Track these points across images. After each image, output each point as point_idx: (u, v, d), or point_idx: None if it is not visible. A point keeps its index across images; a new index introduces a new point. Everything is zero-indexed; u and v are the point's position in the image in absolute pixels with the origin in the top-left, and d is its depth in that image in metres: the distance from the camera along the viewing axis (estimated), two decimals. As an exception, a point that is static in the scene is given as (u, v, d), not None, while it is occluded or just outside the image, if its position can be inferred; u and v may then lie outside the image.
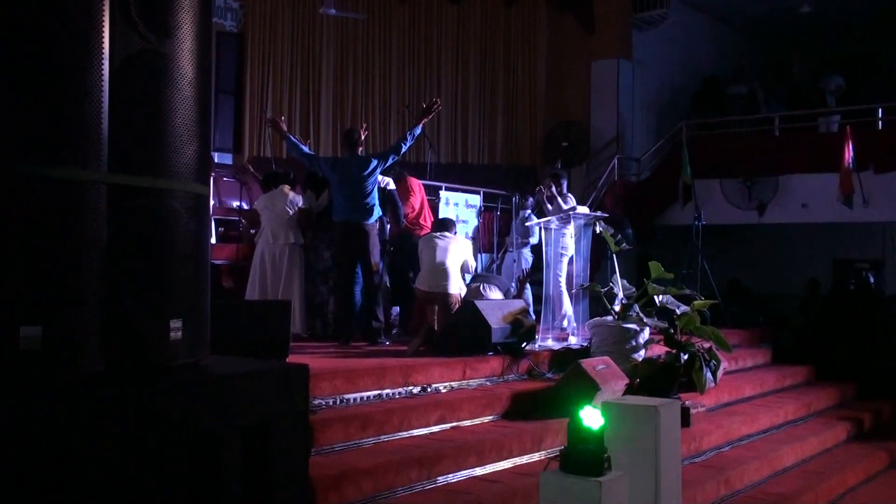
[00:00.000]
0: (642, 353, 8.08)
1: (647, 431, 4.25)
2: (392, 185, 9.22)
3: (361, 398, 6.19)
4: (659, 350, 8.27)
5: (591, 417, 3.90)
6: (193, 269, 3.03)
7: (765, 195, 13.71)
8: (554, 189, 9.43)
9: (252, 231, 9.67)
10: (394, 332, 9.04)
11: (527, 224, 9.48)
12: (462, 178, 13.65)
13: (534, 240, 11.11)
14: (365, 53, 14.97)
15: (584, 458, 3.85)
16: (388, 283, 9.06)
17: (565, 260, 9.34)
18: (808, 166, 13.57)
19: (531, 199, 10.95)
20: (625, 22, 15.38)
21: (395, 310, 9.58)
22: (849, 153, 12.53)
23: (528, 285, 8.89)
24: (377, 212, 8.31)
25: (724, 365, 8.40)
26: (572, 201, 9.23)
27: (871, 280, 17.50)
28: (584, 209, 8.85)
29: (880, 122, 13.63)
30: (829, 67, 15.63)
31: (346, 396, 6.09)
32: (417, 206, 9.64)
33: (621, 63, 15.23)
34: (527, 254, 10.75)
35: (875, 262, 17.28)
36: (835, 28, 17.18)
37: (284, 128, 8.61)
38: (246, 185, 10.63)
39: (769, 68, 17.34)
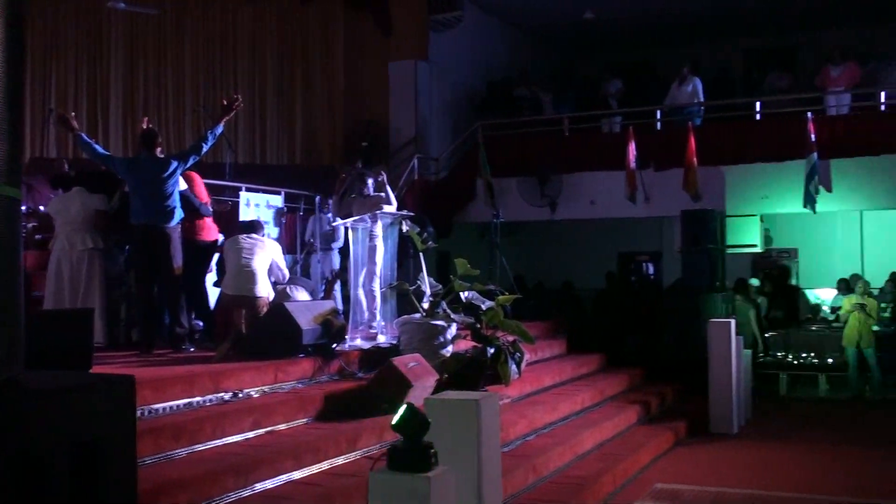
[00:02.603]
0: (450, 348, 8.27)
1: (468, 425, 4.36)
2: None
3: (171, 408, 6.00)
4: (466, 345, 8.49)
5: (417, 414, 3.95)
6: (5, 278, 2.83)
7: (555, 193, 14.33)
8: (370, 184, 9.38)
9: (38, 237, 9.10)
10: (196, 337, 8.78)
11: (332, 224, 9.45)
12: (261, 179, 13.42)
13: (337, 243, 11.12)
14: (157, 50, 14.44)
15: (412, 454, 3.89)
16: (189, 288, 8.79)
17: (379, 259, 9.35)
18: (595, 165, 14.31)
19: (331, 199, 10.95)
20: (421, 23, 15.61)
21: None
22: (632, 152, 13.34)
23: (337, 285, 8.88)
24: (179, 214, 8.03)
25: (527, 357, 8.74)
26: (392, 198, 9.22)
27: (651, 271, 18.77)
28: (391, 208, 8.92)
29: (658, 124, 14.56)
30: (610, 72, 16.55)
31: (155, 407, 5.88)
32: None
33: (419, 64, 15.47)
34: (333, 254, 10.74)
35: (654, 255, 18.50)
36: (615, 35, 18.22)
37: (76, 125, 8.17)
38: (31, 187, 9.93)
39: (557, 72, 18.13)
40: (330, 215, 10.86)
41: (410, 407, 4.07)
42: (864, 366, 12.50)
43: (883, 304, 13.27)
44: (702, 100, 14.46)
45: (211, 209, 8.97)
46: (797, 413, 11.51)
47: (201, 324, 9.15)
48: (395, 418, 4.00)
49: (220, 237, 9.09)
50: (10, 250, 2.89)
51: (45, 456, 2.58)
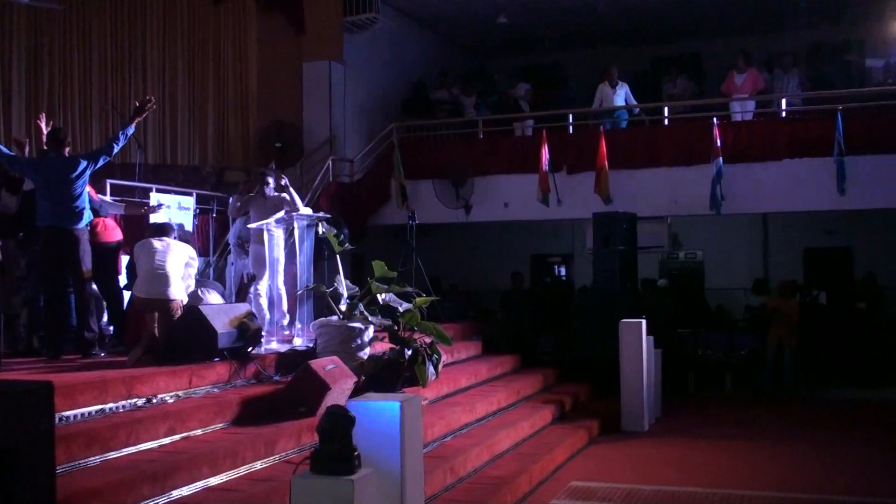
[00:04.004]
0: (367, 350, 8.26)
1: (391, 427, 4.37)
2: None
3: (83, 414, 5.85)
4: (383, 347, 8.50)
5: (340, 417, 3.95)
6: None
7: (470, 195, 14.44)
8: (271, 185, 9.31)
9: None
10: (107, 341, 8.57)
11: (248, 226, 9.33)
12: (172, 180, 13.19)
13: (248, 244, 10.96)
14: (62, 46, 14.03)
15: (335, 457, 3.89)
16: (98, 291, 8.59)
17: (282, 258, 9.28)
18: (508, 168, 14.46)
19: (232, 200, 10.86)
20: (335, 24, 15.52)
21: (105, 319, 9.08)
22: (545, 156, 13.53)
23: (253, 288, 8.78)
24: (88, 216, 7.83)
25: (444, 358, 8.79)
26: (297, 200, 9.18)
27: (563, 273, 19.06)
28: (307, 210, 8.86)
29: (570, 127, 14.80)
30: (521, 75, 16.73)
31: (66, 414, 5.72)
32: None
33: (333, 65, 15.38)
34: (246, 256, 10.59)
35: (566, 257, 18.80)
36: (527, 39, 18.45)
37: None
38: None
39: (472, 75, 18.26)
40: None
41: (335, 409, 4.07)
42: (777, 362, 12.97)
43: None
44: (632, 103, 14.77)
45: (108, 210, 8.81)
46: (705, 410, 11.84)
47: (111, 328, 8.95)
48: (320, 421, 4.00)
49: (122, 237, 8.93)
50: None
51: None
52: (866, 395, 12.81)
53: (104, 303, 8.71)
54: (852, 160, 12.31)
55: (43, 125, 8.34)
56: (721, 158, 12.74)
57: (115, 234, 8.85)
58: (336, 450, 3.90)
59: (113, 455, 5.47)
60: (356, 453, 3.95)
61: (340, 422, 3.95)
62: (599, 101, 14.88)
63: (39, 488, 2.82)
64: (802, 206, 13.39)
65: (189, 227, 11.44)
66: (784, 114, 14.02)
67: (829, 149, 12.45)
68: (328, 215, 9.21)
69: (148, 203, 11.06)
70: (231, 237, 10.84)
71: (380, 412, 4.40)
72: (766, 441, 9.60)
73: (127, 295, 8.86)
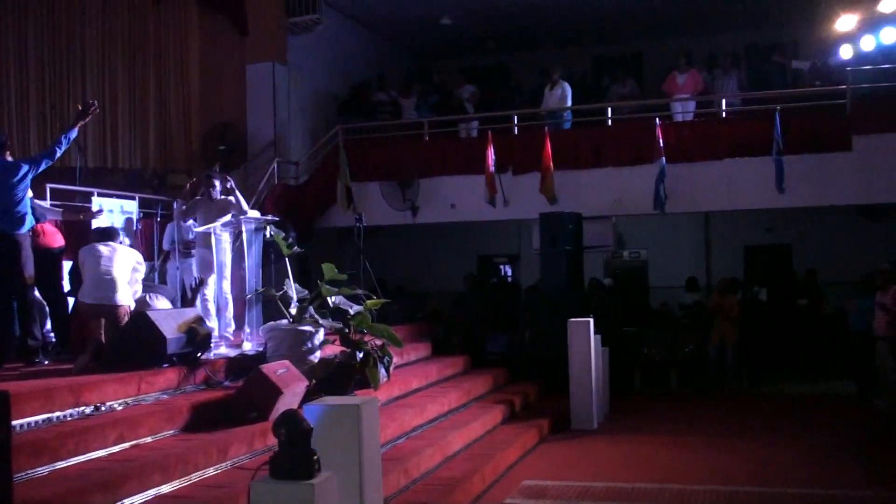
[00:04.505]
0: (318, 354, 8.20)
1: (349, 430, 4.35)
2: None
3: (29, 424, 5.73)
4: (334, 350, 8.45)
5: (299, 421, 3.92)
6: None
7: (416, 196, 14.44)
8: (217, 187, 9.20)
9: None
10: (50, 349, 8.38)
11: (195, 230, 9.20)
12: (113, 184, 12.94)
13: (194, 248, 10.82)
14: (-4, 45, 13.71)
15: (295, 462, 3.86)
16: (41, 298, 8.41)
17: (246, 264, 9.17)
18: (454, 169, 14.50)
19: (176, 204, 10.73)
20: (279, 25, 15.42)
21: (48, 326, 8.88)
22: (491, 157, 13.58)
23: (201, 293, 8.67)
24: (30, 221, 7.66)
25: (395, 360, 8.77)
26: (243, 203, 9.09)
27: (509, 273, 19.15)
28: (255, 213, 8.78)
29: (516, 129, 14.88)
30: (465, 76, 16.78)
31: (12, 423, 5.55)
32: None
33: (276, 67, 15.26)
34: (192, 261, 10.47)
35: (512, 257, 18.89)
36: (471, 40, 18.50)
37: None
38: None
39: (415, 76, 18.26)
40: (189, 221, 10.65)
41: (292, 414, 4.04)
42: (719, 359, 13.20)
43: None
44: (569, 104, 14.88)
45: (47, 216, 8.64)
46: (652, 407, 12.00)
47: (52, 335, 8.76)
48: (278, 425, 3.96)
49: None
50: None
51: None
52: (807, 389, 13.12)
53: (47, 309, 8.52)
54: (790, 159, 12.58)
55: None
56: (664, 158, 12.93)
57: (56, 239, 8.67)
58: (295, 454, 3.87)
59: (61, 464, 5.37)
60: (315, 457, 3.93)
61: (299, 426, 3.92)
62: (543, 103, 15.02)
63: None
64: (743, 205, 13.65)
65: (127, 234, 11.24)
66: (724, 114, 14.27)
67: (768, 148, 12.71)
68: (276, 218, 9.11)
69: (89, 207, 10.87)
70: (166, 242, 10.71)
71: (339, 414, 4.38)
72: (712, 437, 9.77)
73: (70, 301, 8.69)
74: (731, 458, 8.70)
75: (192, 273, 10.35)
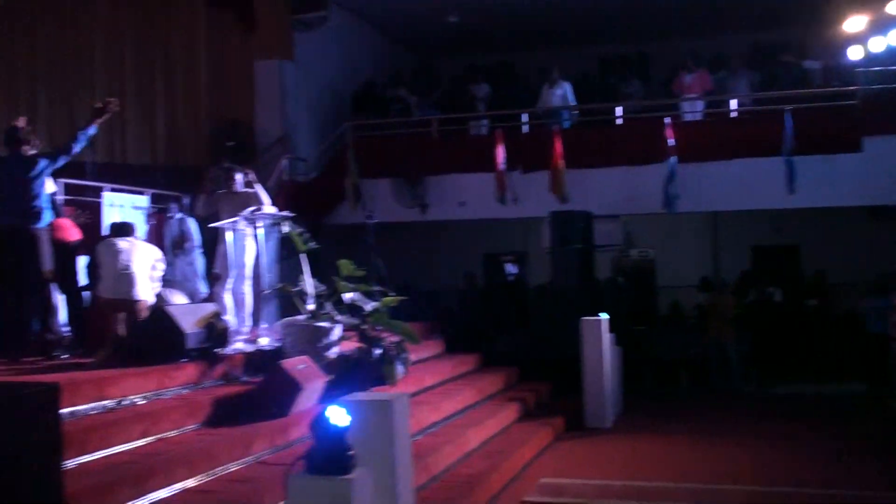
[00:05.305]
0: (335, 350, 8.19)
1: (382, 425, 4.35)
2: None
3: (54, 417, 5.69)
4: (350, 346, 8.44)
5: (337, 416, 3.92)
6: None
7: (426, 194, 14.43)
8: (239, 180, 9.17)
9: None
10: (67, 343, 8.35)
11: (210, 226, 9.17)
12: (122, 179, 12.90)
13: (191, 244, 10.82)
14: (6, 44, 13.65)
15: (331, 457, 3.86)
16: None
17: (249, 260, 9.15)
18: (464, 167, 14.49)
19: (185, 201, 10.73)
20: (285, 22, 15.37)
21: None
22: (500, 155, 13.57)
23: (219, 287, 8.66)
24: (48, 215, 7.65)
25: (411, 357, 8.77)
26: (265, 196, 9.05)
27: (516, 271, 19.11)
28: (271, 209, 8.75)
29: (524, 126, 14.86)
30: (476, 75, 16.76)
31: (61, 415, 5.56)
32: None
33: (284, 64, 15.23)
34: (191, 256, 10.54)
35: (520, 255, 18.85)
36: (479, 38, 18.47)
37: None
38: None
39: (420, 73, 18.24)
40: (179, 216, 10.69)
41: (329, 409, 4.03)
42: (722, 359, 13.20)
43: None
44: (572, 103, 14.87)
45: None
46: (664, 407, 12.00)
47: (67, 330, 8.74)
48: (314, 420, 3.96)
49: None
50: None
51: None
52: (818, 390, 13.11)
53: (64, 304, 8.51)
54: (801, 160, 12.58)
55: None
56: (675, 158, 12.92)
57: (72, 233, 8.66)
58: (332, 449, 3.87)
59: (87, 458, 5.35)
60: (351, 452, 3.93)
61: (335, 421, 3.91)
62: (542, 102, 15.01)
63: (49, 492, 2.74)
64: (753, 205, 13.66)
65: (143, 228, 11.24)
66: (734, 114, 14.27)
67: (777, 148, 12.70)
68: (292, 214, 9.08)
69: (100, 202, 10.88)
70: (167, 239, 10.72)
71: (371, 410, 4.38)
72: (726, 436, 9.76)
73: (86, 295, 8.69)
74: (746, 457, 8.69)
75: (194, 268, 10.38)
